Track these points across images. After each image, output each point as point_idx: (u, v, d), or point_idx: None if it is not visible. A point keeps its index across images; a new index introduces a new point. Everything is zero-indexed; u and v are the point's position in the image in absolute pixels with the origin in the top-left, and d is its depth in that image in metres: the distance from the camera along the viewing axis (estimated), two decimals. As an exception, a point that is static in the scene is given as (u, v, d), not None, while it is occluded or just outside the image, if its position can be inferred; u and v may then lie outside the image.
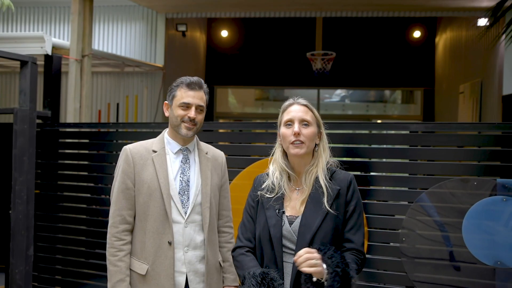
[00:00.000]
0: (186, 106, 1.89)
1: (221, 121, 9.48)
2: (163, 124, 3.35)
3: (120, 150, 3.21)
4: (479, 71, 6.58)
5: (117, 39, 6.06)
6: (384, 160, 2.66)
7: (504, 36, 4.84)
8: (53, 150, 3.38)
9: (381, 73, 8.89)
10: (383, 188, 2.64)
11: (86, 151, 3.36)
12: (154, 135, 3.12)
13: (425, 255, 2.46)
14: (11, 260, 3.02)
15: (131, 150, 1.93)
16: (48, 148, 3.38)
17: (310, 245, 1.57)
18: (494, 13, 5.17)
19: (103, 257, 3.22)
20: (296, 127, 1.66)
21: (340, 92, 10.06)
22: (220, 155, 2.07)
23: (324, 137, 1.73)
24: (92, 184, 3.33)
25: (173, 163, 1.93)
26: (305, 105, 1.71)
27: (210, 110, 9.17)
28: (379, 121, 9.64)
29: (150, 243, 1.84)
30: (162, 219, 1.84)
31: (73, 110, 3.64)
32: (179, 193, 1.88)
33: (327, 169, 1.68)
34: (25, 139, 3.06)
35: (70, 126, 3.33)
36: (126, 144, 3.19)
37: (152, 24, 6.06)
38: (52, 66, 3.40)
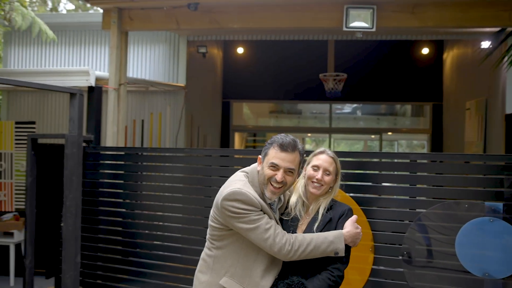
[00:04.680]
0: (275, 167, 1.95)
1: (236, 134, 9.94)
2: (196, 149, 3.82)
3: (153, 171, 3.71)
4: (484, 89, 6.94)
5: (142, 61, 6.59)
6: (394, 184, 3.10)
7: (506, 58, 5.24)
8: (95, 170, 3.88)
9: (392, 89, 9.28)
10: (388, 208, 3.07)
11: (123, 172, 3.85)
12: (185, 160, 3.60)
13: (423, 266, 2.88)
14: (62, 267, 3.51)
15: (254, 196, 1.97)
16: (90, 168, 3.88)
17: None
18: (497, 38, 5.58)
19: (136, 264, 3.68)
20: (319, 174, 2.12)
21: (351, 104, 10.46)
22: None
23: (338, 182, 2.18)
24: (128, 201, 3.82)
25: None
26: (332, 157, 2.16)
27: (226, 124, 9.66)
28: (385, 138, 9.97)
29: (257, 274, 1.98)
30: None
31: (111, 134, 4.14)
32: None
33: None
34: (74, 161, 3.57)
35: (111, 149, 3.82)
36: (157, 166, 3.67)
37: (175, 46, 6.57)
38: (94, 95, 3.92)
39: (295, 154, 1.98)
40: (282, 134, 2.03)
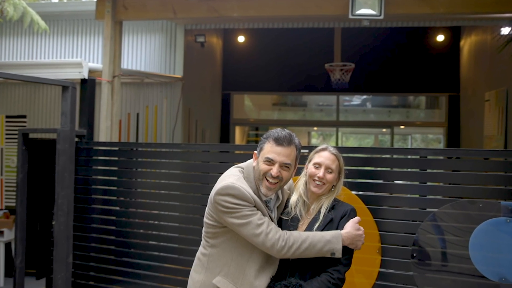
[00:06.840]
0: (270, 162, 1.98)
1: (237, 128, 9.94)
2: (193, 145, 3.82)
3: (148, 167, 3.72)
4: (505, 79, 6.86)
5: (137, 51, 6.59)
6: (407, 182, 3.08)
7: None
8: (87, 166, 3.89)
9: (404, 79, 9.18)
10: (397, 208, 3.06)
11: (116, 168, 3.86)
12: (182, 156, 3.60)
13: (434, 269, 2.87)
14: (54, 267, 3.54)
15: (248, 191, 1.99)
16: (83, 164, 3.90)
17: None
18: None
19: (130, 265, 3.71)
20: (321, 172, 2.11)
21: (360, 95, 10.38)
22: (290, 185, 2.24)
23: (341, 180, 2.18)
24: (122, 199, 3.84)
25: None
26: (334, 154, 2.15)
27: (226, 117, 9.65)
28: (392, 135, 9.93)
29: (251, 273, 2.00)
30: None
31: (105, 128, 4.16)
32: None
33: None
34: (66, 157, 3.59)
35: (105, 144, 3.84)
36: (152, 162, 3.68)
37: (171, 36, 6.55)
38: (87, 88, 3.93)
39: (291, 148, 2.00)
40: (278, 129, 2.05)
